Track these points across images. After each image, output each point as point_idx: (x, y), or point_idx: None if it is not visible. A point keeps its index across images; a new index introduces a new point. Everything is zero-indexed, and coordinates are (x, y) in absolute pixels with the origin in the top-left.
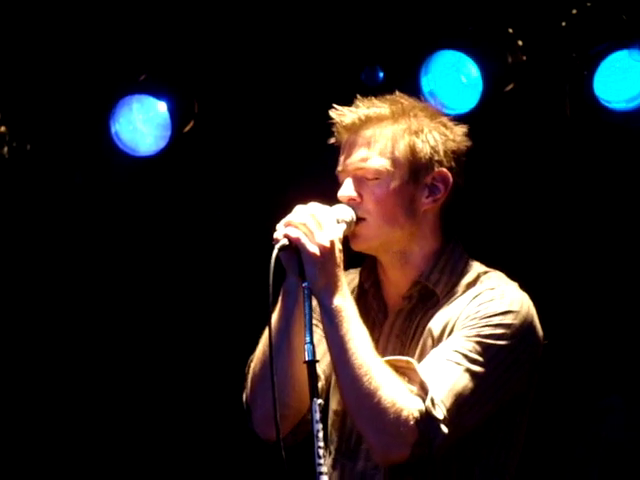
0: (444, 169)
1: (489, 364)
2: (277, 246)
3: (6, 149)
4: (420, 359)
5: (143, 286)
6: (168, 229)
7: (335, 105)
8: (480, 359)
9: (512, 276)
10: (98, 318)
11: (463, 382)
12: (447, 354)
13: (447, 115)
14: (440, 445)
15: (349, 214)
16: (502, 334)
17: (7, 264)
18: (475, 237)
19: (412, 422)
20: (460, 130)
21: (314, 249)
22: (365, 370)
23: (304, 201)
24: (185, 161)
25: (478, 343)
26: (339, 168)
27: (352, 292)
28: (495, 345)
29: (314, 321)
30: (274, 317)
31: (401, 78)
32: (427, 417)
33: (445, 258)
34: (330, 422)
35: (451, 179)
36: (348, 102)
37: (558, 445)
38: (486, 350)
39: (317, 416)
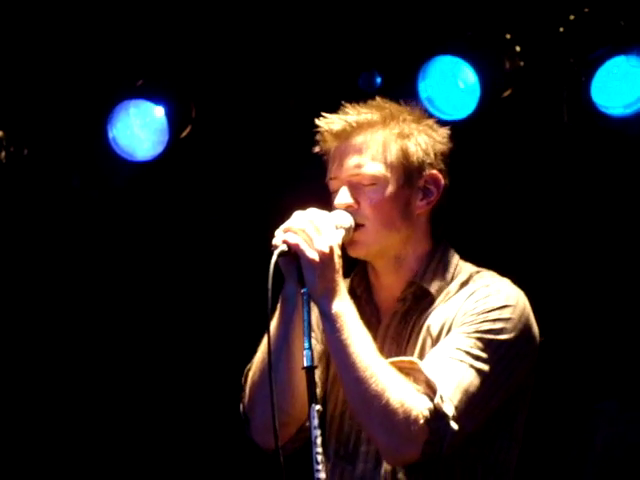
0: (435, 171)
1: (491, 359)
2: (276, 252)
3: (3, 154)
4: (419, 359)
5: (141, 291)
6: (166, 234)
7: (323, 113)
8: (483, 355)
9: (511, 280)
10: (96, 323)
11: (468, 379)
12: (449, 352)
13: (431, 117)
14: (450, 443)
15: (348, 220)
16: (501, 328)
17: (6, 268)
18: (473, 242)
19: (422, 421)
20: (445, 132)
21: (313, 255)
22: (370, 373)
23: (302, 207)
24: (182, 166)
25: (479, 339)
26: (331, 175)
27: None
28: (495, 340)
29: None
30: (273, 323)
31: (399, 83)
32: (437, 415)
33: (438, 258)
34: (327, 426)
35: (442, 181)
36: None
37: (553, 447)
38: (487, 345)
39: (315, 422)
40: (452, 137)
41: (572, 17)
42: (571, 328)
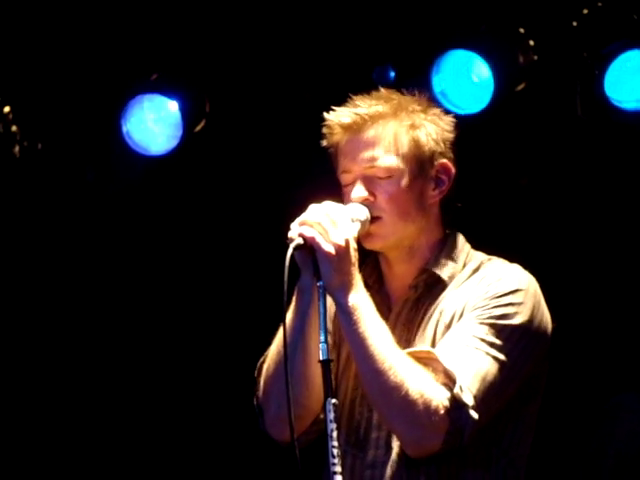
0: (446, 160)
1: (507, 345)
2: (292, 245)
3: (17, 148)
4: (432, 346)
5: (155, 286)
6: (180, 228)
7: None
8: (498, 342)
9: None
10: (111, 316)
11: (485, 366)
12: (464, 339)
13: (437, 106)
14: (471, 432)
15: (364, 213)
16: (514, 313)
17: (19, 263)
18: (487, 235)
19: (442, 411)
20: (450, 120)
21: (329, 248)
22: (389, 364)
23: (317, 200)
24: (196, 160)
25: (492, 325)
26: (344, 169)
27: None
28: (509, 325)
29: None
30: (288, 316)
31: (412, 77)
32: (457, 404)
33: (449, 246)
34: (338, 414)
35: (453, 170)
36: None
37: (571, 441)
38: (501, 331)
39: (331, 415)
40: (457, 126)
41: (585, 11)
42: (589, 320)
